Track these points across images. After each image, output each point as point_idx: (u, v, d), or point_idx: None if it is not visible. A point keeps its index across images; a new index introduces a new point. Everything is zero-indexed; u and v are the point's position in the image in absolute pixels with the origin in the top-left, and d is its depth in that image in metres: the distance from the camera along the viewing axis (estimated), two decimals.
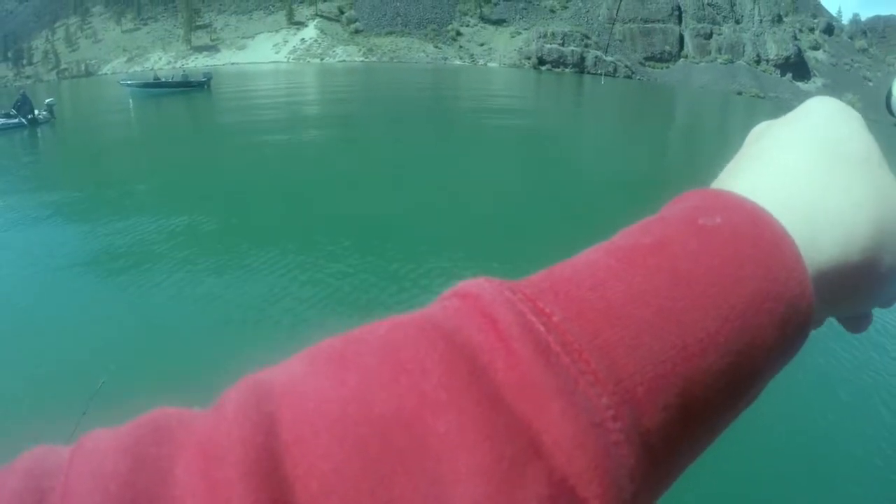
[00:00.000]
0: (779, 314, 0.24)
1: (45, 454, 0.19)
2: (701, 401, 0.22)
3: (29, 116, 21.21)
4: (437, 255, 8.72)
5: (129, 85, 34.04)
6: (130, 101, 30.48)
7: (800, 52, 71.07)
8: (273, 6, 79.73)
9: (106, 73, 64.37)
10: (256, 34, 74.70)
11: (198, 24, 77.26)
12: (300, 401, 0.19)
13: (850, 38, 79.78)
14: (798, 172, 0.28)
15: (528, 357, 0.20)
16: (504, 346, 0.20)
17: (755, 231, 0.25)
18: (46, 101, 23.27)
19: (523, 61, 68.47)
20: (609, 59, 68.60)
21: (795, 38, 74.41)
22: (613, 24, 67.89)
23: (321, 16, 77.65)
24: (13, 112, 20.89)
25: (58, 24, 74.79)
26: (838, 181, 0.28)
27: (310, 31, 75.31)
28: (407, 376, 0.19)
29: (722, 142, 28.89)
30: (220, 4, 79.72)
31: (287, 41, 73.19)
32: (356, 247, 9.27)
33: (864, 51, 70.68)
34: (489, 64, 69.21)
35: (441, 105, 30.11)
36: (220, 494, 0.17)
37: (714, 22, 77.12)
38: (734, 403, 0.23)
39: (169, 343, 6.71)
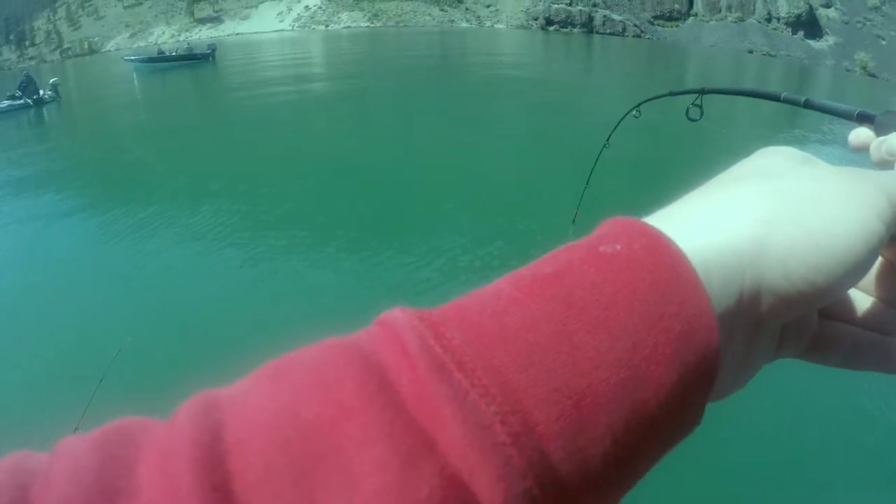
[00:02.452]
0: (675, 332, 0.25)
1: (25, 457, 0.22)
2: (600, 412, 0.24)
3: (34, 97, 21.13)
4: (450, 229, 8.50)
5: (132, 60, 33.61)
6: (135, 76, 30.11)
7: (811, 10, 68.89)
8: None
9: (110, 50, 63.76)
10: (260, 3, 73.49)
11: None
12: (241, 410, 0.23)
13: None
14: (708, 196, 0.31)
15: (426, 373, 0.23)
16: (408, 365, 0.23)
17: (652, 256, 0.27)
18: (51, 80, 23.08)
19: (531, 22, 67.01)
20: (618, 18, 67.06)
21: None
22: None
23: None
24: (18, 94, 20.81)
25: (58, 3, 73.93)
26: (739, 187, 0.31)
27: None
28: (328, 389, 0.23)
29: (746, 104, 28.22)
30: None
31: (291, 9, 71.99)
32: (368, 219, 9.03)
33: (876, 8, 68.33)
34: (496, 25, 67.83)
35: (449, 72, 29.50)
36: (172, 483, 0.20)
37: None
38: (640, 420, 0.25)
39: (182, 313, 6.59)
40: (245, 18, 71.78)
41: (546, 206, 9.01)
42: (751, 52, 60.55)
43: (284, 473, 0.21)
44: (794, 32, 68.40)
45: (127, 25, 70.86)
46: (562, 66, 33.27)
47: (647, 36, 67.42)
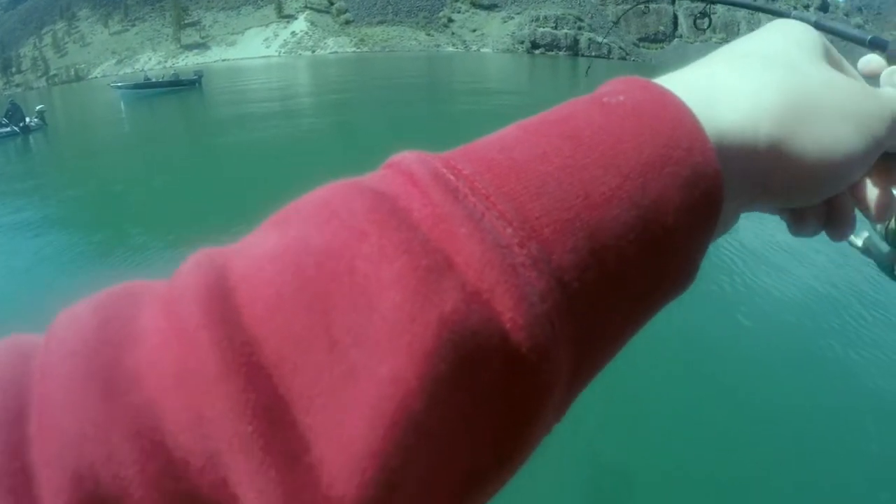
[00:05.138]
0: (682, 177, 0.25)
1: (28, 335, 0.22)
2: (611, 250, 0.24)
3: (21, 124, 20.90)
4: None
5: (119, 87, 33.56)
6: (122, 103, 30.06)
7: None
8: (262, 0, 78.99)
9: (96, 77, 63.85)
10: (246, 29, 74.02)
11: (186, 22, 76.44)
12: (248, 250, 0.22)
13: (846, 14, 78.92)
14: (712, 68, 0.31)
15: (439, 197, 0.22)
16: (420, 192, 0.23)
17: (656, 106, 0.27)
18: (37, 108, 22.96)
19: (517, 46, 67.91)
20: (603, 40, 68.00)
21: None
22: (606, 4, 67.24)
23: (311, 7, 76.87)
24: (5, 121, 20.58)
25: (45, 30, 74.09)
26: (749, 70, 0.30)
27: (300, 24, 74.59)
28: (337, 218, 0.22)
29: None
30: (208, 1, 78.95)
31: (277, 35, 72.54)
32: None
33: (860, 27, 69.13)
34: (482, 50, 68.65)
35: (436, 97, 29.70)
36: (180, 324, 0.20)
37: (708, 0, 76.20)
38: (648, 260, 0.25)
39: None
40: (231, 44, 72.12)
41: None
42: None
43: (296, 298, 0.20)
44: None
45: (113, 52, 70.99)
46: (549, 91, 33.56)
47: (633, 58, 68.39)
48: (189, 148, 18.83)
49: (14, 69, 69.72)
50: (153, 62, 67.36)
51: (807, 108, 0.29)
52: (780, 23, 0.35)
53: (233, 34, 73.72)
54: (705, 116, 0.28)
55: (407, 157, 0.25)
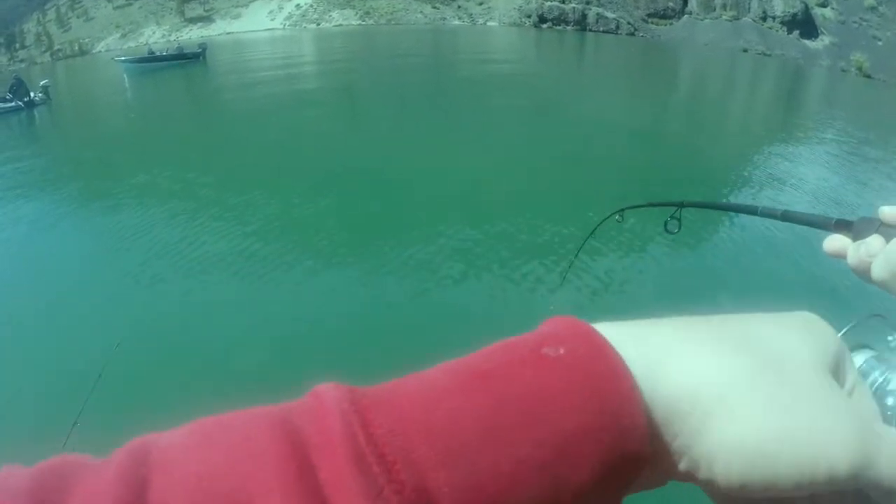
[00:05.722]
0: (604, 444, 0.26)
1: None
2: None
3: (25, 99, 21.01)
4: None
5: (123, 61, 33.48)
6: (125, 77, 29.94)
7: (807, 9, 68.87)
8: None
9: (100, 51, 63.40)
10: (250, 2, 73.26)
11: None
12: (169, 469, 0.24)
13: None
14: (682, 333, 0.30)
15: (345, 463, 0.24)
16: (330, 452, 0.24)
17: (594, 365, 0.27)
18: (41, 82, 22.96)
19: (523, 19, 66.98)
20: (611, 15, 67.02)
21: None
22: None
23: None
24: (9, 96, 20.67)
25: (48, 5, 73.60)
26: (720, 346, 0.30)
27: None
28: (252, 463, 0.24)
29: (744, 98, 28.38)
30: None
31: (282, 7, 71.77)
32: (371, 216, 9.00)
33: (873, 9, 68.33)
34: (489, 23, 67.75)
35: (441, 71, 29.43)
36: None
37: None
38: None
39: (179, 309, 6.58)
40: (236, 17, 71.52)
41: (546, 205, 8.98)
42: (745, 50, 60.59)
43: None
44: (790, 32, 68.40)
45: (117, 26, 70.53)
46: (557, 69, 33.23)
47: (641, 34, 67.40)
48: (191, 120, 18.80)
49: (18, 45, 69.34)
50: (157, 36, 66.85)
51: (760, 401, 0.28)
52: (800, 320, 0.34)
53: (237, 7, 72.99)
54: (648, 379, 0.28)
55: (330, 398, 0.27)
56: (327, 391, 0.27)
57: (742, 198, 10.38)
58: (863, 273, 0.46)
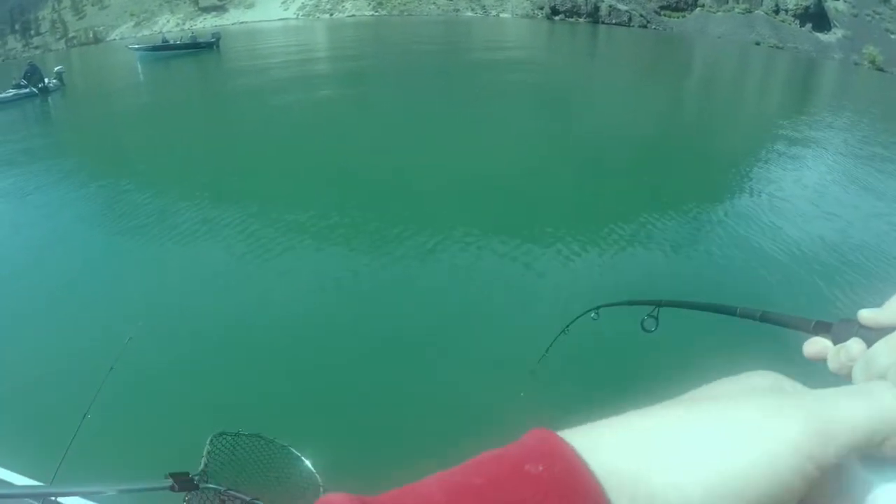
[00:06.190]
0: None
1: None
2: None
3: (39, 85, 21.24)
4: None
5: (137, 49, 33.70)
6: (139, 65, 30.16)
7: (819, 2, 68.13)
8: None
9: (114, 39, 63.67)
10: None
11: None
12: None
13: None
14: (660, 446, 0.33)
15: None
16: None
17: (569, 481, 0.30)
18: (55, 69, 23.17)
19: (536, 11, 66.66)
20: (623, 7, 66.61)
21: None
22: None
23: None
24: (24, 82, 20.87)
25: None
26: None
27: None
28: None
29: (762, 92, 28.18)
30: None
31: None
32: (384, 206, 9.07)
33: (886, 1, 67.50)
34: (501, 15, 67.49)
35: (455, 63, 29.41)
36: None
37: None
38: None
39: (189, 300, 6.67)
40: (249, 7, 71.54)
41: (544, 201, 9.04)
42: (758, 43, 60.12)
43: None
44: (802, 25, 67.75)
45: (131, 14, 70.72)
46: (572, 61, 33.11)
47: (654, 26, 66.93)
48: (203, 107, 18.92)
49: (33, 31, 69.68)
50: (171, 24, 66.98)
51: (707, 435, 0.31)
52: (744, 375, 0.38)
53: None
54: (604, 465, 0.31)
55: None
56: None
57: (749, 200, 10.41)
58: (844, 377, 0.46)
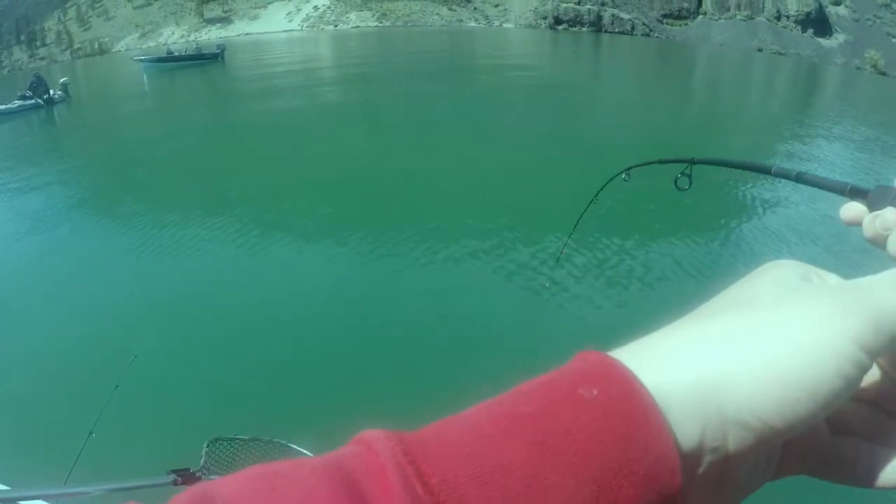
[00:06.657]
0: (640, 475, 0.27)
1: None
2: None
3: (45, 97, 21.23)
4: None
5: (142, 60, 33.92)
6: (144, 76, 30.33)
7: (821, 8, 68.27)
8: None
9: (120, 50, 64.11)
10: (269, 3, 73.66)
11: None
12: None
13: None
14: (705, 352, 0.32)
15: None
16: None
17: (625, 403, 0.29)
18: (61, 80, 23.26)
19: (539, 21, 66.88)
20: (626, 16, 66.82)
21: None
22: None
23: None
24: (29, 94, 20.88)
25: (69, 4, 74.34)
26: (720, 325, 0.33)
27: None
28: None
29: (764, 96, 28.19)
30: None
31: (300, 9, 72.12)
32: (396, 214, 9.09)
33: (887, 6, 67.52)
34: (504, 25, 67.76)
35: (458, 73, 29.51)
36: None
37: None
38: None
39: (195, 317, 6.65)
40: (254, 18, 71.96)
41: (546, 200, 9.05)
42: (760, 50, 60.25)
43: None
44: (804, 30, 67.78)
45: (137, 26, 71.18)
46: (573, 68, 33.21)
47: (656, 35, 67.09)
48: (208, 118, 18.98)
49: (38, 43, 70.17)
50: (176, 36, 67.43)
51: (762, 337, 0.31)
52: (766, 266, 0.37)
53: (255, 8, 73.42)
54: (661, 384, 0.30)
55: (382, 447, 0.28)
56: (379, 441, 0.28)
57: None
58: (879, 245, 0.45)
